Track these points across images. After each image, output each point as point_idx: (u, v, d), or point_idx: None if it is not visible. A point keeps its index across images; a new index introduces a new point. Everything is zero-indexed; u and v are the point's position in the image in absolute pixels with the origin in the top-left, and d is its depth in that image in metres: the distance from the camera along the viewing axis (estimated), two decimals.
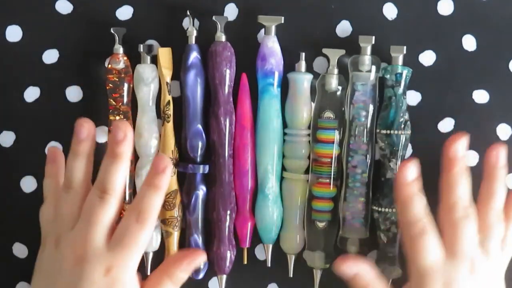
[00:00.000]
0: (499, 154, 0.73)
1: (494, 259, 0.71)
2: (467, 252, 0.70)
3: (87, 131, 0.70)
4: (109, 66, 0.76)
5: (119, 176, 0.69)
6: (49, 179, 0.74)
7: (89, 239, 0.67)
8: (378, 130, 0.76)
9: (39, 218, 0.73)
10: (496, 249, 0.71)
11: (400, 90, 0.75)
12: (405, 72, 0.75)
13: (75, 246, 0.68)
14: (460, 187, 0.71)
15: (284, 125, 0.77)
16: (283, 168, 0.78)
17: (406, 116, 0.75)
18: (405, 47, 0.75)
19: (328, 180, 0.76)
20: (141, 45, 0.76)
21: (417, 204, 0.70)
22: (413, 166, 0.71)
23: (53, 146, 0.75)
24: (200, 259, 0.73)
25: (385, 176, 0.76)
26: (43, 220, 0.73)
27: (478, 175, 0.78)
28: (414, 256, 0.70)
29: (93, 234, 0.67)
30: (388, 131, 0.75)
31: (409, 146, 0.77)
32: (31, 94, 0.79)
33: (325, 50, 0.76)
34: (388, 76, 0.75)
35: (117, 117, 0.76)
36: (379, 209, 0.76)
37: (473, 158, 0.78)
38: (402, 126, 0.75)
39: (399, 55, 0.75)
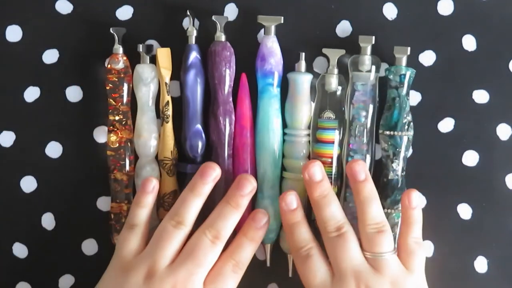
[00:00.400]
0: (411, 198, 0.73)
1: (388, 273, 0.71)
2: (348, 268, 0.70)
3: (214, 176, 0.72)
4: (109, 66, 0.76)
5: (233, 225, 0.72)
6: (144, 209, 0.73)
7: (194, 280, 0.70)
8: (381, 131, 0.76)
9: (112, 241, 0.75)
10: (388, 262, 0.71)
11: (404, 91, 0.75)
12: (409, 73, 0.75)
13: (176, 284, 0.69)
14: (327, 208, 0.72)
15: (284, 125, 0.77)
16: (283, 168, 0.78)
17: (409, 117, 0.75)
18: (409, 48, 0.75)
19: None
20: (140, 45, 0.76)
21: (301, 230, 0.73)
22: (294, 195, 0.73)
23: (152, 177, 0.74)
24: (264, 216, 0.74)
25: (387, 177, 0.76)
26: (127, 248, 0.72)
27: (478, 175, 0.78)
28: (305, 279, 0.72)
29: (199, 275, 0.70)
30: (392, 132, 0.75)
31: None
32: (31, 94, 0.79)
33: (325, 50, 0.76)
34: (392, 77, 0.75)
35: (117, 117, 0.76)
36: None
37: (473, 158, 0.78)
38: (406, 127, 0.75)
39: (403, 56, 0.75)
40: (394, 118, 0.75)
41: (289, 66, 0.77)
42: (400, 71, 0.75)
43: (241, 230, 0.74)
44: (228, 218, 0.72)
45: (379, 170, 0.77)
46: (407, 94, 0.75)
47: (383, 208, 0.75)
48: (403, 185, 0.76)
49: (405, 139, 0.75)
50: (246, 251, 0.73)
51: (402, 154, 0.75)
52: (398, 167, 0.75)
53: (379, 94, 0.76)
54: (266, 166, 0.77)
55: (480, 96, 0.77)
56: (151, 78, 0.76)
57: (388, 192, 0.76)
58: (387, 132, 0.75)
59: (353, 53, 0.76)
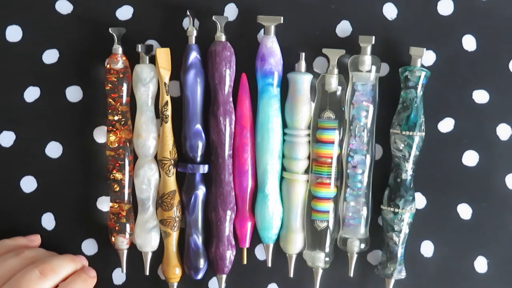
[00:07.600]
0: None
1: None
2: None
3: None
4: (108, 66, 0.76)
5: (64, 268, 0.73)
6: None
7: None
8: (397, 131, 0.75)
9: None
10: None
11: (421, 91, 0.75)
12: (424, 74, 0.75)
13: None
14: None
15: (284, 125, 0.77)
16: (283, 168, 0.78)
17: (423, 117, 0.75)
18: (424, 49, 0.75)
19: (328, 180, 0.76)
20: (139, 45, 0.76)
21: None
22: None
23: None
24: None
25: (401, 177, 0.76)
26: None
27: (478, 175, 0.78)
28: None
29: None
30: (411, 133, 0.75)
31: None
32: (31, 94, 0.79)
33: (325, 50, 0.76)
34: (410, 77, 0.75)
35: (116, 117, 0.76)
36: (396, 210, 0.75)
37: (473, 158, 0.78)
38: (422, 127, 0.75)
39: (419, 56, 0.75)
40: (413, 118, 0.75)
41: (289, 66, 0.77)
42: (417, 72, 0.75)
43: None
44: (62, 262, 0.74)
45: (381, 171, 0.77)
46: (422, 94, 0.75)
47: (397, 208, 0.75)
48: (412, 185, 0.76)
49: (420, 139, 0.75)
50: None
51: (414, 153, 0.75)
52: (411, 167, 0.75)
53: (379, 94, 0.76)
54: (266, 166, 0.77)
55: (480, 96, 0.77)
56: (150, 78, 0.76)
57: (402, 192, 0.76)
58: (406, 133, 0.75)
59: (353, 53, 0.76)
